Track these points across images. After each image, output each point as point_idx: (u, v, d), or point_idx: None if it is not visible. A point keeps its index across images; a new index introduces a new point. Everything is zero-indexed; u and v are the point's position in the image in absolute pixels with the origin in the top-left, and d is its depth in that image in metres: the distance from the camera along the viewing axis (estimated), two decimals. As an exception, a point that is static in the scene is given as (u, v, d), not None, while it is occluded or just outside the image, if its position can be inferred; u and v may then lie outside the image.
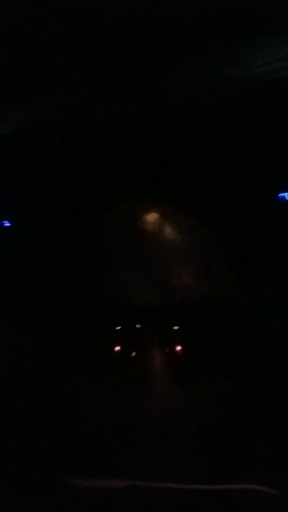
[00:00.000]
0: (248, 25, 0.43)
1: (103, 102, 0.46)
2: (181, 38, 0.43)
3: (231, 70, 0.45)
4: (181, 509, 0.40)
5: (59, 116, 0.47)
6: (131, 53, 0.44)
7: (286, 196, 0.52)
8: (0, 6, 0.38)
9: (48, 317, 0.47)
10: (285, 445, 0.45)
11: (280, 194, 0.52)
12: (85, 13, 0.40)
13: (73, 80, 0.45)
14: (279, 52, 0.44)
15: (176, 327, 0.44)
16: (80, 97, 0.46)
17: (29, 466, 0.43)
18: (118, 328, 0.44)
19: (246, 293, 0.48)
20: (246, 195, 0.50)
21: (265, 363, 0.47)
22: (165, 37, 0.43)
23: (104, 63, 0.45)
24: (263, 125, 0.48)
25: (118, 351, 0.44)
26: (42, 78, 0.44)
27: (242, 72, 0.45)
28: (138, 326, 0.44)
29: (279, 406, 0.46)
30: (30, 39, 0.41)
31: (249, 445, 0.44)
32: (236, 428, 0.44)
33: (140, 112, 0.47)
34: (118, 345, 0.44)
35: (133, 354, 0.43)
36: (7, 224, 0.55)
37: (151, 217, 0.47)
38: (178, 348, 0.44)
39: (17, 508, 0.40)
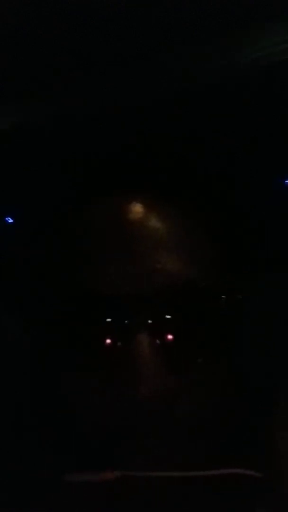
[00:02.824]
0: (244, 12, 0.42)
1: (97, 94, 0.46)
2: (177, 26, 0.43)
3: (228, 56, 0.45)
4: (172, 496, 0.40)
5: (57, 111, 0.47)
6: (128, 44, 0.44)
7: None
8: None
9: (38, 311, 0.48)
10: (274, 430, 0.45)
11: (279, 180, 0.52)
12: (82, 5, 0.40)
13: (69, 74, 0.45)
14: (277, 37, 0.44)
15: (168, 316, 0.44)
16: (75, 90, 0.46)
17: (22, 463, 0.43)
18: (108, 320, 0.44)
19: (236, 281, 0.48)
20: (237, 181, 0.50)
21: (254, 351, 0.47)
22: (162, 25, 0.42)
23: (101, 55, 0.44)
24: (262, 111, 0.47)
25: (109, 343, 0.44)
26: (40, 73, 0.44)
27: (239, 59, 0.44)
28: (127, 317, 0.44)
29: (269, 393, 0.46)
30: (28, 34, 0.41)
31: (240, 431, 0.44)
32: (227, 415, 0.44)
33: (133, 99, 0.47)
34: (108, 337, 0.44)
35: (124, 345, 0.44)
36: (10, 220, 0.55)
37: (139, 206, 0.47)
38: (169, 337, 0.44)
39: (14, 507, 0.41)
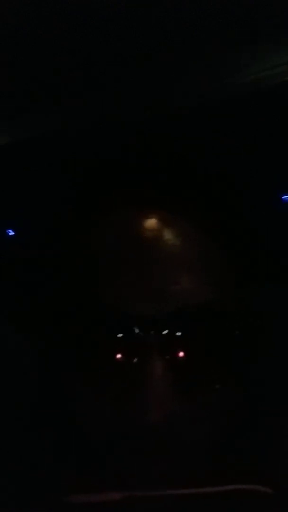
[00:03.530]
0: (248, 31, 0.43)
1: (103, 109, 0.46)
2: (181, 44, 0.43)
3: (231, 76, 0.45)
4: None
5: (60, 124, 0.47)
6: (131, 60, 0.44)
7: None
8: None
9: (49, 325, 0.47)
10: (285, 452, 0.43)
11: (284, 197, 0.51)
12: (86, 20, 0.40)
13: (73, 88, 0.45)
14: (279, 58, 0.44)
15: (178, 333, 0.43)
16: (80, 105, 0.46)
17: (27, 481, 0.42)
18: (120, 335, 0.43)
19: (248, 299, 0.47)
20: (248, 200, 0.49)
21: (267, 370, 0.46)
22: (166, 43, 0.43)
23: (104, 70, 0.45)
24: (264, 129, 0.48)
25: (119, 358, 0.43)
26: (43, 86, 0.44)
27: (242, 78, 0.45)
28: (139, 333, 0.43)
29: (280, 413, 0.45)
30: (29, 47, 0.41)
31: (250, 453, 0.43)
32: (237, 436, 0.43)
33: (141, 119, 0.47)
34: (119, 353, 0.43)
35: (134, 361, 0.42)
36: (11, 233, 0.54)
37: (151, 223, 0.47)
38: (180, 355, 0.43)
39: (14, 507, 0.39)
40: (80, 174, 0.49)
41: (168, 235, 0.47)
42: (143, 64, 0.44)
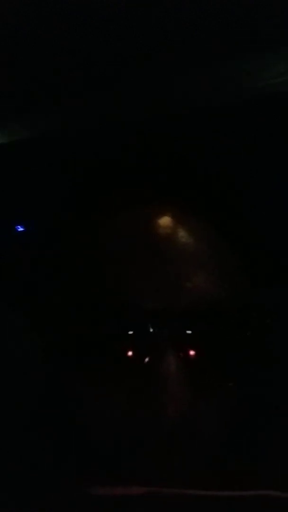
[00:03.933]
0: (261, 37, 0.43)
1: (103, 109, 0.46)
2: (195, 48, 0.43)
3: (244, 80, 0.45)
4: None
5: (66, 122, 0.47)
6: (132, 61, 0.44)
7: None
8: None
9: (60, 323, 0.47)
10: None
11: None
12: (86, 20, 0.40)
13: (75, 88, 0.45)
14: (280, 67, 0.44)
15: (189, 332, 0.43)
16: (81, 105, 0.46)
17: (42, 475, 0.42)
18: (131, 332, 0.43)
19: (261, 297, 0.47)
20: (261, 199, 0.49)
21: (280, 369, 0.46)
22: (178, 47, 0.43)
23: (105, 70, 0.44)
24: (275, 134, 0.47)
25: (131, 356, 0.43)
26: (43, 86, 0.44)
27: (255, 83, 0.45)
28: (151, 330, 0.43)
29: None
30: (30, 47, 0.41)
31: (264, 451, 0.43)
32: (250, 434, 0.43)
33: (142, 120, 0.47)
34: (130, 350, 0.43)
35: (146, 359, 0.43)
36: (21, 229, 0.55)
37: (165, 221, 0.47)
38: (191, 353, 0.43)
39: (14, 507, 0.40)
40: (83, 173, 0.49)
41: (182, 232, 0.47)
42: (144, 65, 0.44)
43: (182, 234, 0.47)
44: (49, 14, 0.38)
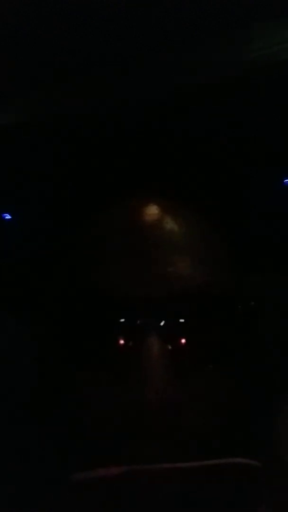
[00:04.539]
0: (245, 10, 0.43)
1: (100, 94, 0.46)
2: (178, 24, 0.43)
3: (228, 55, 0.45)
4: (176, 488, 0.41)
5: (58, 109, 0.46)
6: (129, 43, 0.43)
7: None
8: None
9: (49, 311, 0.48)
10: (284, 438, 0.45)
11: (286, 181, 0.51)
12: (84, 4, 0.40)
13: (71, 73, 0.44)
14: (276, 36, 0.44)
15: (181, 320, 0.44)
16: (78, 90, 0.46)
17: (28, 461, 0.44)
18: (122, 320, 0.44)
19: (249, 286, 0.48)
20: (249, 185, 0.50)
21: (268, 357, 0.48)
22: (162, 24, 0.42)
23: (102, 54, 0.44)
24: (263, 110, 0.47)
25: (118, 342, 0.44)
26: (41, 71, 0.44)
27: (239, 57, 0.45)
28: (140, 319, 0.44)
29: (281, 400, 0.47)
30: (28, 31, 0.40)
31: (249, 438, 0.45)
32: (237, 420, 0.45)
33: (137, 101, 0.46)
34: (121, 338, 0.44)
35: (136, 346, 0.43)
36: (8, 217, 0.55)
37: (152, 208, 0.47)
38: (181, 341, 0.44)
39: (16, 507, 0.41)
40: (79, 161, 0.49)
41: (170, 220, 0.47)
42: (145, 43, 0.43)
43: (172, 223, 0.47)
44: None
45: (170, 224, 0.47)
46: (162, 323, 0.44)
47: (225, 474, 0.41)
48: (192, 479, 0.40)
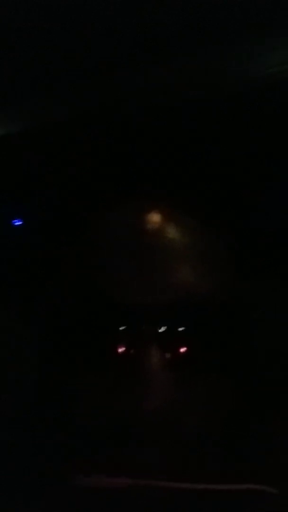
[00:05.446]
0: (262, 24, 0.42)
1: (105, 99, 0.46)
2: (195, 36, 0.43)
3: (245, 69, 0.45)
4: (182, 508, 0.40)
5: (60, 116, 0.47)
6: (140, 50, 0.44)
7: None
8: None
9: (50, 317, 0.48)
10: (285, 446, 0.44)
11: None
12: (87, 9, 0.40)
13: (73, 79, 0.45)
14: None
15: (181, 328, 0.44)
16: (81, 96, 0.46)
17: (29, 464, 0.43)
18: (122, 328, 0.44)
19: (249, 293, 0.48)
20: (249, 193, 0.49)
21: (267, 364, 0.47)
22: (180, 34, 0.43)
23: (110, 61, 0.44)
24: (275, 124, 0.47)
25: (118, 349, 0.44)
26: (42, 78, 0.44)
27: (255, 72, 0.45)
28: (141, 326, 0.44)
29: (280, 407, 0.46)
30: (29, 38, 0.41)
31: (249, 445, 0.44)
32: (236, 428, 0.44)
33: (148, 111, 0.47)
34: (122, 346, 0.44)
35: (136, 353, 0.43)
36: (18, 222, 0.55)
37: (153, 216, 0.47)
38: (181, 348, 0.44)
39: (17, 508, 0.41)
40: (81, 167, 0.50)
41: (171, 228, 0.47)
42: (151, 53, 0.44)
43: (172, 230, 0.47)
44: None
45: (171, 231, 0.47)
46: (162, 331, 0.44)
47: (240, 499, 0.40)
48: (203, 501, 0.39)
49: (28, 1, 0.38)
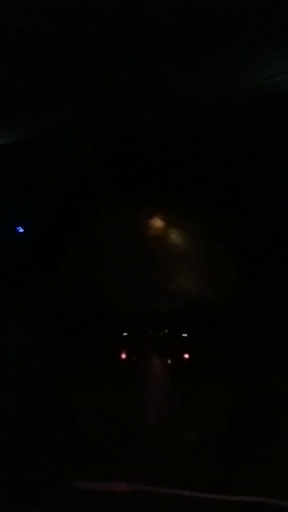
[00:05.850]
0: (260, 36, 0.43)
1: (105, 100, 0.46)
2: (192, 46, 0.43)
3: (242, 79, 0.45)
4: None
5: (61, 122, 0.47)
6: (138, 60, 0.44)
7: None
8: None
9: (52, 320, 0.47)
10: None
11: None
12: (88, 16, 0.40)
13: (73, 80, 0.45)
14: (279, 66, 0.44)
15: (184, 335, 0.44)
16: (81, 97, 0.46)
17: (31, 468, 0.42)
18: (125, 334, 0.44)
19: (251, 298, 0.47)
20: (251, 199, 0.49)
21: (271, 370, 0.46)
22: (176, 45, 0.43)
23: (110, 61, 0.45)
24: (273, 133, 0.47)
25: (120, 356, 0.44)
26: (42, 78, 0.45)
27: (253, 82, 0.45)
28: (143, 332, 0.43)
29: (283, 414, 0.45)
30: (28, 38, 0.41)
31: (252, 453, 0.43)
32: (239, 435, 0.43)
33: (146, 120, 0.47)
34: (124, 352, 0.43)
35: (138, 360, 0.43)
36: (21, 230, 0.55)
37: (156, 222, 0.47)
38: (183, 354, 0.44)
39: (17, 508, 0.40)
40: (82, 173, 0.50)
41: (173, 234, 0.47)
42: (149, 64, 0.44)
43: (175, 236, 0.47)
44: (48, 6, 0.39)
45: (173, 235, 0.47)
46: (164, 336, 0.44)
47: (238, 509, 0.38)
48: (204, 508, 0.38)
49: (28, 1, 0.39)
